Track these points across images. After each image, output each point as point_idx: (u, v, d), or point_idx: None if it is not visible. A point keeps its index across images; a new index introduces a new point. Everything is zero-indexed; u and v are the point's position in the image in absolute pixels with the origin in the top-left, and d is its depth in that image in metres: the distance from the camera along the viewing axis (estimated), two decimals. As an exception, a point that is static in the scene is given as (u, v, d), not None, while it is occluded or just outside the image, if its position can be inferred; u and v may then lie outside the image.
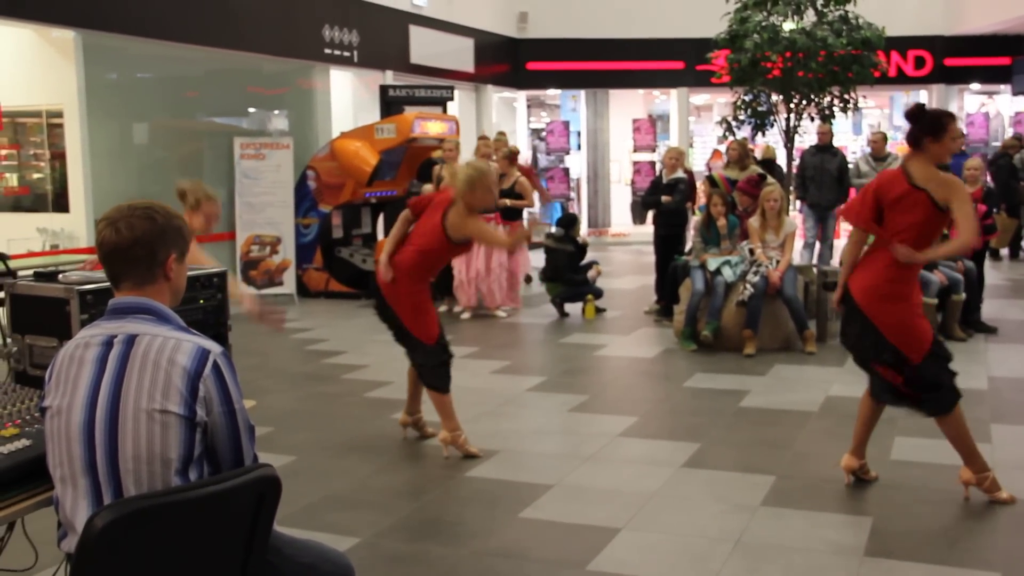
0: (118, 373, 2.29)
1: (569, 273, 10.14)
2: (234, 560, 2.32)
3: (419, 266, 5.49)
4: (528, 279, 11.70)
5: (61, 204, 9.90)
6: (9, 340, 3.07)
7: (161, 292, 2.42)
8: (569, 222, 10.57)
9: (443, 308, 10.27)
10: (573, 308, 10.15)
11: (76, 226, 9.66)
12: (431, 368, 5.55)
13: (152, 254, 2.38)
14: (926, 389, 4.59)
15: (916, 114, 4.59)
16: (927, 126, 4.53)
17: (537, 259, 11.17)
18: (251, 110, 12.92)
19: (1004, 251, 14.17)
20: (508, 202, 10.04)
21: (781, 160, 13.59)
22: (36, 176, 10.21)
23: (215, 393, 2.34)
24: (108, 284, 2.48)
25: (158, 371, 2.28)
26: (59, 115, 9.75)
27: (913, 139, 4.57)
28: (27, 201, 10.21)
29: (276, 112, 13.20)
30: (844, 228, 10.93)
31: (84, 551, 2.06)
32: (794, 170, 12.28)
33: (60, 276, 3.01)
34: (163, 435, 2.26)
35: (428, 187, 10.14)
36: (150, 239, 2.37)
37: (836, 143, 12.43)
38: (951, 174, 4.66)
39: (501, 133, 11.42)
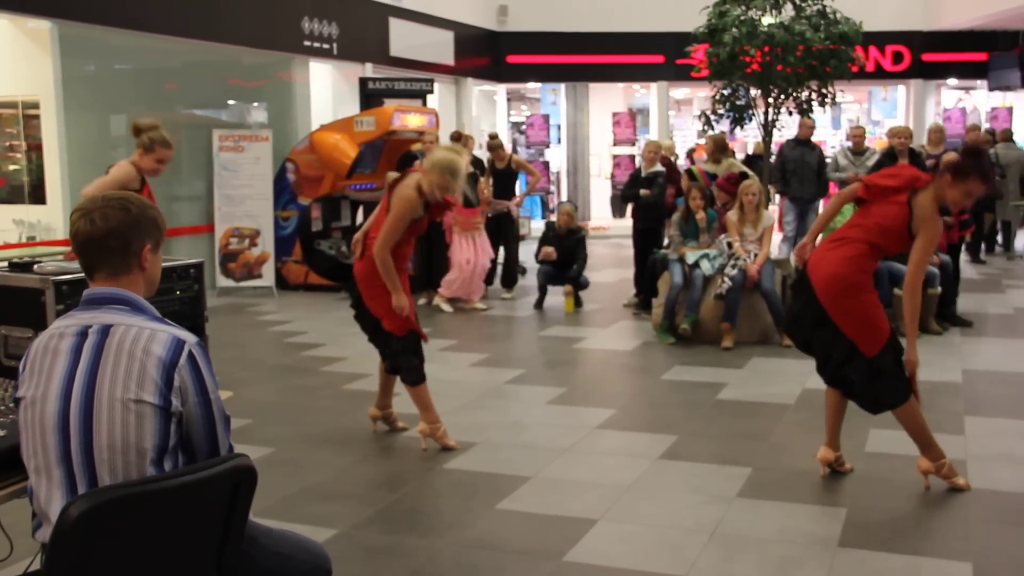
0: (93, 363, 2.29)
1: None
2: (210, 550, 2.32)
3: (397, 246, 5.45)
4: (523, 271, 11.72)
5: (38, 196, 9.84)
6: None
7: (136, 283, 2.42)
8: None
9: (422, 301, 10.28)
10: (552, 301, 10.17)
11: (53, 218, 9.61)
12: (405, 360, 5.52)
13: (127, 244, 2.38)
14: (878, 381, 4.62)
15: (975, 153, 4.69)
16: (962, 168, 4.53)
17: (503, 251, 11.19)
18: (230, 102, 12.86)
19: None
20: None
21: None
22: (12, 168, 10.14)
23: (190, 383, 2.34)
24: (83, 275, 2.47)
25: (133, 361, 2.28)
26: (35, 106, 9.69)
27: (954, 168, 4.56)
28: (3, 193, 10.14)
29: (255, 104, 13.14)
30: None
31: (58, 541, 2.06)
32: (773, 163, 12.34)
33: (35, 267, 3.00)
34: (138, 425, 2.26)
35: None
36: (124, 229, 2.37)
37: (815, 137, 12.50)
38: (937, 214, 4.68)
39: (493, 135, 11.45)
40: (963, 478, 4.75)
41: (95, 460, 2.26)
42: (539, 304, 10.16)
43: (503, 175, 11.02)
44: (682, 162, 18.10)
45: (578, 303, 10.16)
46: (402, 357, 5.52)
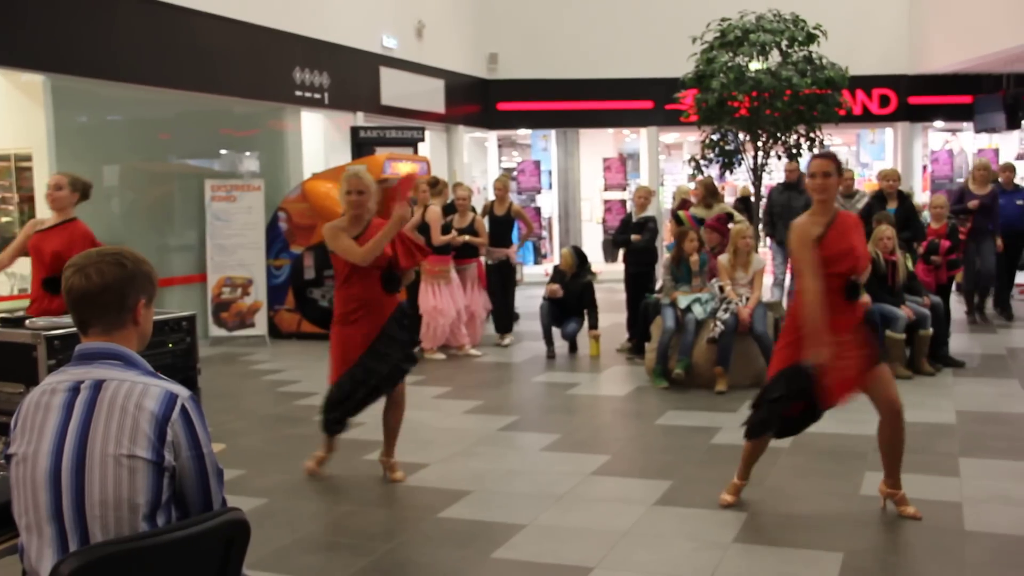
0: (85, 419, 2.28)
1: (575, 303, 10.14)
2: (202, 606, 2.30)
3: (337, 291, 5.83)
4: (516, 317, 11.71)
5: (30, 248, 9.82)
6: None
7: (129, 337, 2.43)
8: (583, 259, 10.50)
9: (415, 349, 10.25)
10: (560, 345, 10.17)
11: (44, 269, 9.58)
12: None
13: (122, 300, 2.39)
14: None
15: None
16: None
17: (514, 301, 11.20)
18: (222, 152, 12.92)
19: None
20: (465, 238, 10.15)
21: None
22: (5, 220, 10.15)
23: (183, 437, 2.34)
24: (75, 329, 2.47)
25: (125, 416, 2.28)
26: (28, 158, 9.72)
27: None
28: (-5, 245, 10.13)
29: (247, 154, 13.20)
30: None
31: (49, 599, 2.05)
32: (763, 207, 12.41)
33: (27, 322, 3.00)
34: (130, 480, 2.26)
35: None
36: (120, 285, 2.38)
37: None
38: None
39: (501, 178, 11.44)
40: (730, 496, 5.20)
41: (87, 516, 2.25)
42: (551, 354, 10.03)
43: (501, 222, 10.96)
44: (668, 207, 18.24)
45: (572, 348, 10.17)
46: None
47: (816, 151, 13.44)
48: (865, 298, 5.67)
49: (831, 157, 4.91)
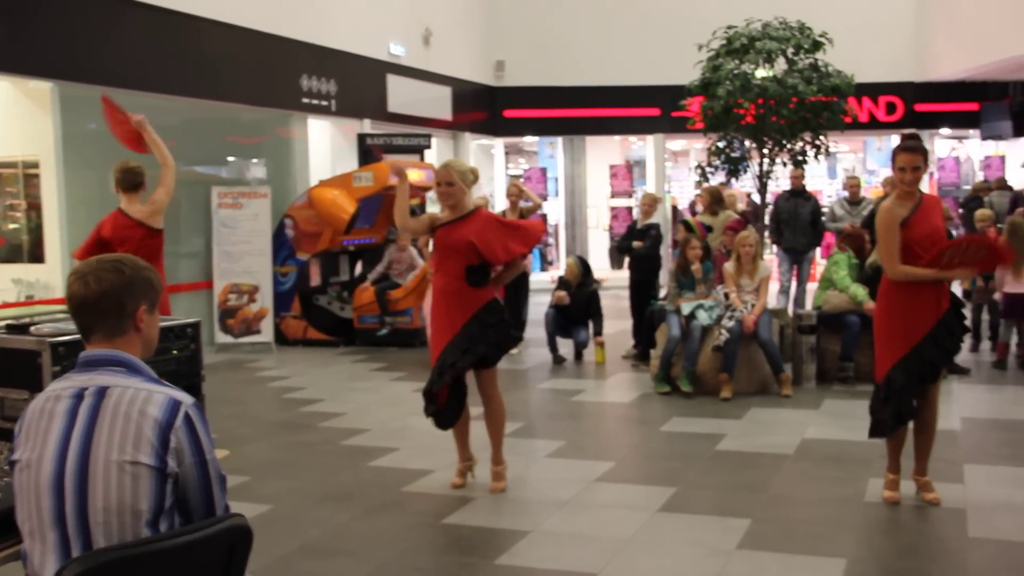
0: (88, 425, 2.30)
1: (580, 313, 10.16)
2: (205, 611, 2.31)
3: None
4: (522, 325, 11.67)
5: (36, 255, 9.88)
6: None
7: (132, 344, 2.44)
8: (587, 268, 10.52)
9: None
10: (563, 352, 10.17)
11: (52, 276, 9.64)
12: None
13: (121, 306, 2.40)
14: None
15: None
16: None
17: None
18: (229, 159, 12.96)
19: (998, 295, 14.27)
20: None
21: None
22: (12, 227, 10.20)
23: (186, 444, 2.35)
24: (80, 336, 2.49)
25: (129, 423, 2.29)
26: (35, 166, 9.77)
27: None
28: (3, 252, 10.19)
29: (254, 161, 13.25)
30: (818, 272, 11.04)
31: (52, 604, 2.06)
32: (768, 214, 12.41)
33: (32, 328, 3.02)
34: (133, 486, 2.27)
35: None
36: (118, 291, 2.39)
37: (810, 187, 12.59)
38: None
39: (515, 181, 11.38)
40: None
41: (90, 523, 2.26)
42: (558, 360, 10.08)
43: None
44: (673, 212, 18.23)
45: (578, 355, 10.18)
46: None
47: (822, 158, 13.45)
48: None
49: (922, 152, 5.02)
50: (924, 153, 5.01)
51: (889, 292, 5.09)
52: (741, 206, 14.22)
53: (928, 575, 4.35)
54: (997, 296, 9.40)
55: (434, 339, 5.71)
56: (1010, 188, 14.47)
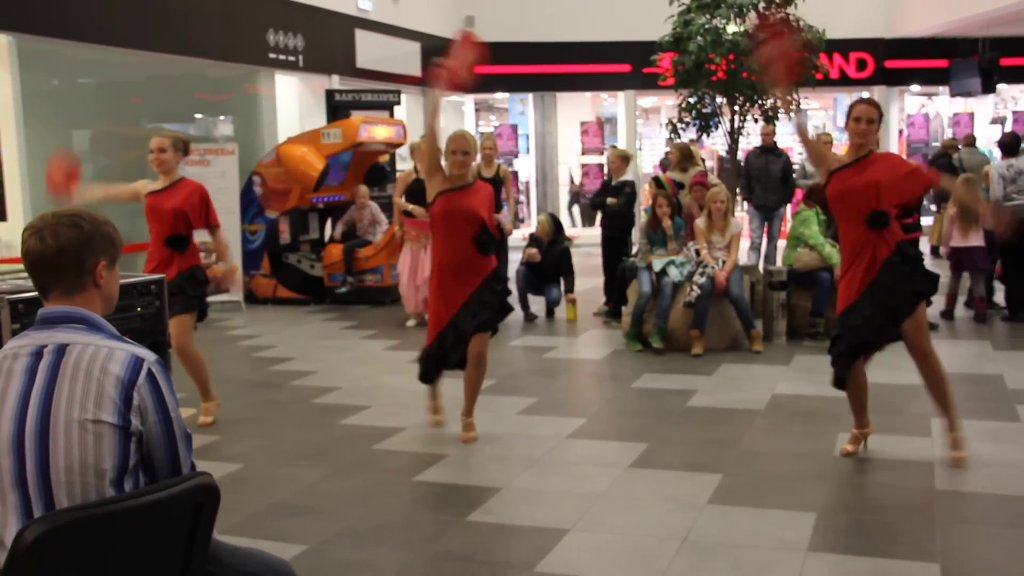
0: (48, 384, 2.25)
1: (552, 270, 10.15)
2: (172, 572, 2.28)
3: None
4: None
5: (-1, 212, 9.71)
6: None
7: (92, 300, 2.38)
8: (559, 226, 10.48)
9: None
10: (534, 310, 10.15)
11: (14, 235, 9.47)
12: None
13: (79, 262, 2.34)
14: None
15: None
16: None
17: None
18: (196, 116, 12.77)
19: (942, 249, 14.38)
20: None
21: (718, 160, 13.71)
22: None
23: (150, 402, 2.30)
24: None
25: (90, 380, 2.24)
26: (-5, 122, 9.57)
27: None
28: (-36, 211, 10.00)
29: (221, 118, 13.06)
30: (787, 228, 11.05)
31: (13, 566, 2.02)
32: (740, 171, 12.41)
33: (-9, 286, 2.95)
34: (96, 445, 2.22)
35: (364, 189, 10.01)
36: (76, 247, 2.33)
37: (782, 144, 12.58)
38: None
39: (488, 136, 11.17)
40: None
41: (52, 483, 2.21)
42: (529, 317, 10.06)
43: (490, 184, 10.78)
44: (648, 171, 18.21)
45: (550, 312, 10.18)
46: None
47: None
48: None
49: (877, 107, 5.11)
50: (879, 109, 5.10)
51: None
52: (710, 163, 14.23)
53: (896, 528, 4.39)
54: (943, 251, 9.51)
55: (437, 305, 5.79)
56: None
